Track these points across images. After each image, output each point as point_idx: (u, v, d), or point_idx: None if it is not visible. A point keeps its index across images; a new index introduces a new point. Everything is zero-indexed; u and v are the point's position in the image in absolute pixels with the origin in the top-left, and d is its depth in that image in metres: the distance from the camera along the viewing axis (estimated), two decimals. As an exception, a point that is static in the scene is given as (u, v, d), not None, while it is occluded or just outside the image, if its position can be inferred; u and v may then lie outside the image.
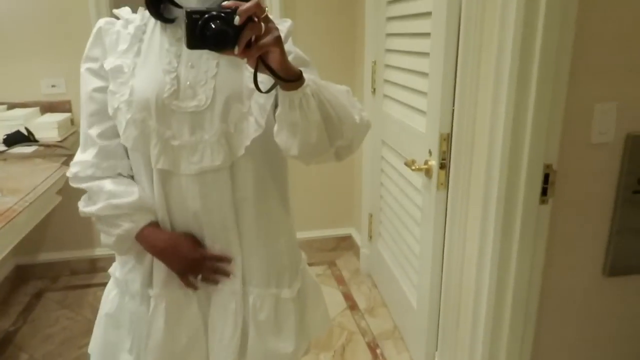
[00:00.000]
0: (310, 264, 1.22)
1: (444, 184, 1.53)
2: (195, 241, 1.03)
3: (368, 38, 2.26)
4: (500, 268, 1.32)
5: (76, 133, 2.45)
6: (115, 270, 1.10)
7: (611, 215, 1.34)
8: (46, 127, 2.20)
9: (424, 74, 1.62)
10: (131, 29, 0.99)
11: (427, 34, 1.56)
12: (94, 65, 1.00)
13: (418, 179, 1.70)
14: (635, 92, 1.25)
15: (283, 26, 0.98)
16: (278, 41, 0.79)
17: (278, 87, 0.85)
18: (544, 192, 1.26)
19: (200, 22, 0.75)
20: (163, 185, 0.99)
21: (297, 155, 0.92)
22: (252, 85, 0.92)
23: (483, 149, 1.31)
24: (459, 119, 1.41)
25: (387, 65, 2.05)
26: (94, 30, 1.01)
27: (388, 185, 2.16)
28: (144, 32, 0.99)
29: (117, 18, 1.02)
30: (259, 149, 0.99)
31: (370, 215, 2.48)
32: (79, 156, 1.02)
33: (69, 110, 2.44)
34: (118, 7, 1.06)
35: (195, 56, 0.95)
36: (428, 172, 1.59)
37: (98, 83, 0.99)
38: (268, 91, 0.85)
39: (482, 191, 1.32)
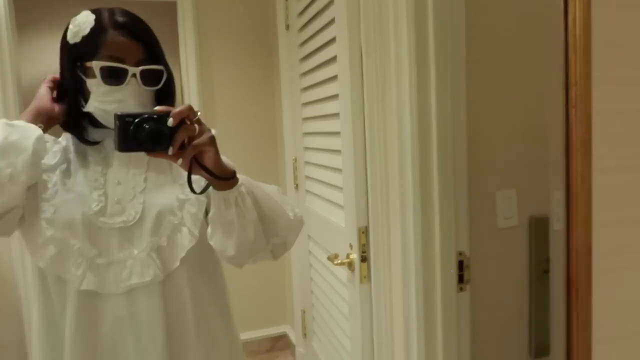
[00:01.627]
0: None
1: (367, 277, 1.53)
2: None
3: (287, 137, 2.34)
4: (427, 359, 1.29)
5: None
6: None
7: (528, 295, 1.38)
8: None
9: (338, 170, 1.67)
10: (58, 148, 0.99)
11: (337, 133, 1.63)
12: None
13: (343, 273, 1.69)
14: (530, 177, 1.34)
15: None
16: (212, 141, 0.82)
17: (211, 189, 0.86)
18: (461, 279, 1.28)
19: (133, 124, 0.77)
20: (83, 309, 0.91)
21: (234, 256, 0.91)
22: (183, 196, 0.96)
23: (398, 241, 1.33)
24: (374, 213, 1.45)
25: (307, 162, 2.11)
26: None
27: (317, 280, 2.13)
28: (69, 153, 0.99)
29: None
30: (193, 258, 0.97)
31: (303, 312, 2.41)
32: None
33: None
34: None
35: (122, 174, 0.96)
36: (350, 266, 1.58)
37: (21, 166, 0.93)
38: (202, 191, 0.87)
39: (402, 283, 1.33)
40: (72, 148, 0.99)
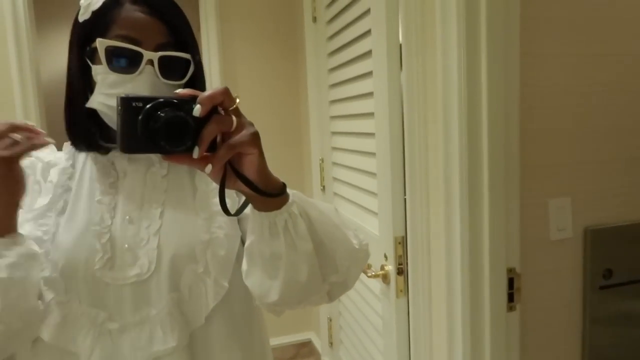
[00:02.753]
0: None
1: (404, 291, 1.42)
2: None
3: (313, 136, 2.23)
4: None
5: None
6: None
7: (581, 313, 1.26)
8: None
9: (372, 174, 1.56)
10: (54, 175, 0.77)
11: (372, 134, 1.52)
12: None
13: (376, 285, 1.58)
14: (586, 185, 1.22)
15: None
16: (256, 139, 0.57)
17: (250, 208, 0.63)
18: (510, 297, 1.16)
19: (144, 112, 0.53)
20: None
21: (277, 301, 0.67)
22: (207, 236, 0.75)
23: (440, 254, 1.22)
24: (412, 222, 1.33)
25: (335, 163, 2.00)
26: None
27: (345, 288, 2.02)
28: (70, 177, 0.78)
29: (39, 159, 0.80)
30: (222, 313, 0.77)
31: (330, 320, 2.31)
32: None
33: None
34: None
35: (133, 205, 0.75)
36: (385, 278, 1.47)
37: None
38: (239, 212, 0.64)
39: (444, 300, 1.21)
40: (77, 167, 0.79)
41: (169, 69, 0.73)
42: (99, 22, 0.71)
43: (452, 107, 1.11)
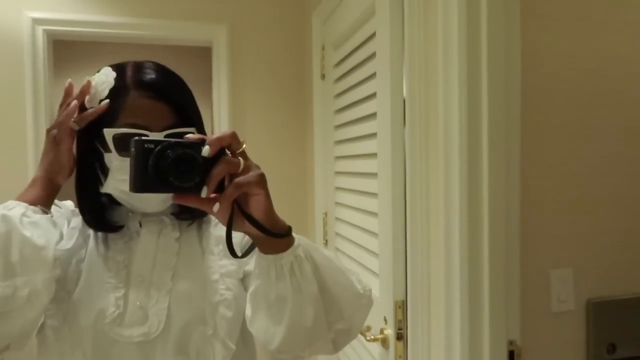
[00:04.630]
0: None
1: (403, 357, 1.39)
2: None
3: (318, 191, 2.25)
4: None
5: None
6: None
7: (586, 389, 1.23)
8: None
9: (374, 234, 1.56)
10: (76, 223, 0.80)
11: (373, 194, 1.53)
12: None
13: (375, 348, 1.55)
14: (588, 256, 1.21)
15: None
16: (262, 180, 0.59)
17: (257, 251, 0.64)
18: (511, 371, 1.14)
19: (155, 152, 0.56)
20: None
21: (279, 347, 0.66)
22: (217, 297, 0.75)
23: (440, 321, 1.20)
24: (412, 286, 1.32)
25: (338, 219, 2.00)
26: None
27: (346, 350, 1.98)
28: (86, 241, 0.80)
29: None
30: None
31: (327, 377, 2.25)
32: None
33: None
34: None
35: (147, 263, 0.76)
36: (385, 342, 1.45)
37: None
38: (245, 254, 0.65)
39: (443, 370, 1.19)
40: (91, 234, 0.82)
41: None
42: (107, 111, 0.74)
43: (453, 172, 1.12)
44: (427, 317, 1.28)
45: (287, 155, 2.54)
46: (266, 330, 0.67)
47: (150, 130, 0.73)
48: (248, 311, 0.70)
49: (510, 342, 1.13)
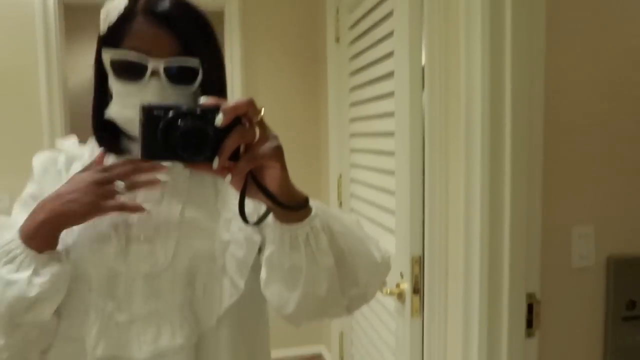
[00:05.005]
0: None
1: (419, 311, 1.40)
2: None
3: (332, 153, 2.24)
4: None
5: (19, 253, 2.25)
6: None
7: (602, 344, 1.23)
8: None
9: (390, 192, 1.56)
10: (76, 167, 0.78)
11: (392, 152, 1.52)
12: (28, 198, 0.80)
13: (390, 302, 1.57)
14: (611, 213, 1.20)
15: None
16: (279, 152, 0.57)
17: (271, 218, 0.63)
18: (529, 323, 1.15)
19: (164, 120, 0.54)
20: None
21: (293, 313, 0.66)
22: (227, 236, 0.74)
23: (458, 275, 1.21)
24: (430, 242, 1.32)
25: (353, 180, 2.00)
26: (33, 169, 0.81)
27: (359, 305, 2.01)
28: None
29: (58, 149, 0.84)
30: (235, 316, 0.76)
31: (342, 334, 2.29)
32: None
33: (13, 229, 2.26)
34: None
35: (153, 201, 0.74)
36: (401, 297, 1.46)
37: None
38: (259, 222, 0.63)
39: (461, 322, 1.20)
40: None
41: (179, 76, 0.73)
42: (114, 36, 0.73)
43: (475, 129, 1.11)
44: (445, 272, 1.29)
45: (301, 119, 2.53)
46: (280, 295, 0.67)
47: (150, 57, 0.71)
48: (263, 274, 0.70)
49: (530, 295, 1.13)
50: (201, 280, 0.74)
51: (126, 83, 0.72)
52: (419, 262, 1.40)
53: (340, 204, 2.19)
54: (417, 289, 1.41)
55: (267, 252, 0.66)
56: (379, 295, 1.63)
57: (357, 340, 2.07)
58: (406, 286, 1.44)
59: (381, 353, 1.75)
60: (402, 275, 1.47)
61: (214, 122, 0.54)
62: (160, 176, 0.73)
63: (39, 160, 0.82)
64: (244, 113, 0.55)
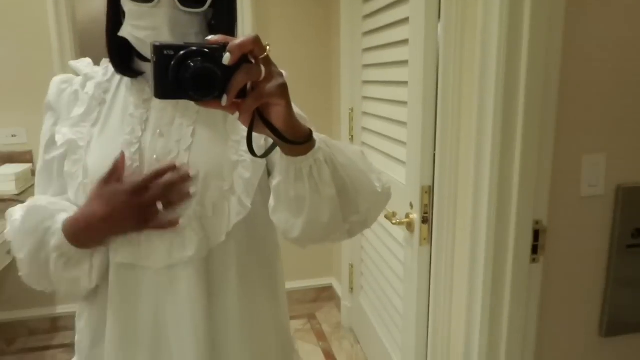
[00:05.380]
0: (290, 318, 1.00)
1: (427, 239, 1.44)
2: (107, 181, 0.76)
3: (344, 85, 2.22)
4: (490, 331, 1.21)
5: (38, 184, 2.32)
6: (81, 334, 0.89)
7: (605, 271, 1.26)
8: (2, 179, 2.06)
9: (402, 123, 1.56)
10: (90, 87, 0.82)
11: (405, 82, 1.50)
12: (46, 134, 0.84)
13: (400, 232, 1.61)
14: (623, 142, 1.19)
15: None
16: (284, 90, 0.59)
17: (278, 151, 0.66)
18: (534, 250, 1.17)
19: (174, 61, 0.55)
20: (121, 283, 0.79)
21: (298, 237, 0.72)
22: (235, 157, 0.78)
23: (467, 204, 1.22)
24: (441, 172, 1.33)
25: (365, 113, 1.99)
26: (48, 96, 0.85)
27: (368, 236, 2.06)
28: (105, 91, 0.82)
29: (74, 73, 0.86)
30: (243, 233, 0.81)
31: (351, 266, 2.37)
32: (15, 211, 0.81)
33: (30, 161, 2.31)
34: (84, 56, 0.91)
35: (165, 121, 0.78)
36: (410, 226, 1.49)
37: (50, 154, 0.83)
38: (264, 155, 0.66)
39: (468, 249, 1.23)
40: (110, 85, 0.83)
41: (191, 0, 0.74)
42: None
43: (491, 57, 1.08)
44: (454, 201, 1.31)
45: (313, 51, 2.48)
46: (286, 221, 0.72)
47: None
48: (271, 201, 0.74)
49: (536, 222, 1.15)
50: (210, 199, 0.78)
51: (139, 4, 0.74)
52: (428, 192, 1.42)
53: (352, 138, 2.19)
54: (426, 219, 1.44)
55: (274, 182, 0.70)
56: (388, 225, 1.66)
57: (367, 271, 2.14)
58: (415, 216, 1.47)
59: (390, 282, 1.82)
60: (411, 206, 1.49)
61: (221, 60, 0.55)
62: (191, 189, 0.77)
63: (54, 83, 0.85)
64: (250, 51, 0.56)
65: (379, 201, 0.77)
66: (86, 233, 0.75)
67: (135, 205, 0.74)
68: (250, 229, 0.81)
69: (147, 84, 0.81)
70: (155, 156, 0.77)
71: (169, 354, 0.80)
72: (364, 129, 2.02)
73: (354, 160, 0.73)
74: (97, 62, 0.88)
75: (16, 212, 0.79)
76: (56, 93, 0.84)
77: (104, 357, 0.82)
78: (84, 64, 0.86)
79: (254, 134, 0.62)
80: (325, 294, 2.76)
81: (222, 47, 0.56)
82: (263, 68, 0.57)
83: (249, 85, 0.58)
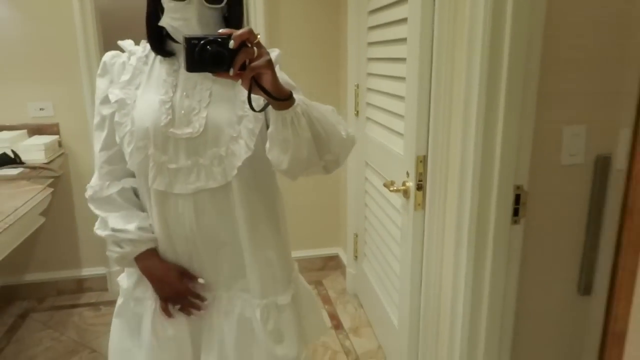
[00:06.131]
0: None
1: (421, 205, 1.56)
2: (183, 274, 1.14)
3: (350, 62, 2.32)
4: (474, 289, 1.34)
5: (64, 155, 2.47)
6: (122, 280, 1.23)
7: (584, 236, 1.37)
8: (33, 149, 2.22)
9: (401, 98, 1.66)
10: (133, 60, 1.10)
11: (404, 59, 1.61)
12: (101, 94, 1.11)
13: (397, 200, 1.73)
14: (602, 114, 1.28)
15: (272, 54, 1.01)
16: (269, 64, 0.86)
17: (270, 107, 0.92)
18: (516, 212, 1.28)
19: (198, 47, 0.83)
20: (160, 204, 1.09)
21: (287, 169, 0.99)
22: (241, 113, 1.05)
23: (456, 171, 1.34)
24: (434, 142, 1.45)
25: (369, 89, 2.10)
26: (101, 63, 1.13)
27: (371, 206, 2.18)
28: (144, 63, 1.10)
29: (121, 49, 1.13)
30: (248, 169, 1.07)
31: (356, 235, 2.50)
32: (92, 179, 1.16)
33: (57, 133, 2.46)
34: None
35: (189, 86, 1.06)
36: (406, 193, 1.61)
37: (105, 110, 1.10)
38: (261, 110, 0.94)
39: (456, 212, 1.35)
40: (150, 59, 1.10)
41: None
42: None
43: (477, 34, 1.18)
44: (446, 169, 1.42)
45: (321, 30, 2.58)
46: (277, 157, 0.98)
47: None
48: (267, 144, 0.98)
49: (517, 187, 1.26)
50: (224, 142, 1.05)
51: (176, 2, 1.02)
52: (423, 162, 1.53)
53: (357, 113, 2.30)
54: (420, 186, 1.55)
55: (269, 130, 0.96)
56: (387, 193, 1.78)
57: (370, 239, 2.27)
58: (411, 184, 1.59)
59: (389, 247, 1.95)
60: (408, 174, 1.61)
61: (228, 46, 0.82)
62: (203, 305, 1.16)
63: (107, 56, 1.13)
64: (247, 38, 0.83)
65: (345, 145, 1.04)
66: (144, 272, 1.13)
67: (171, 294, 1.13)
68: (254, 165, 1.07)
69: (176, 60, 1.08)
70: (182, 111, 1.05)
71: (200, 262, 1.14)
72: (368, 104, 2.13)
73: (326, 115, 1.00)
74: (121, 38, 1.11)
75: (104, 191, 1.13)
76: (109, 63, 1.11)
77: (145, 297, 1.16)
78: (128, 43, 1.14)
79: (252, 95, 0.88)
80: (332, 263, 2.91)
81: (229, 37, 0.83)
82: (256, 50, 0.84)
83: (247, 62, 0.84)
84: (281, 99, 0.89)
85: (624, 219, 0.62)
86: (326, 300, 2.57)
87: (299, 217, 2.76)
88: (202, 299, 1.15)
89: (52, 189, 1.99)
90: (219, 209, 1.09)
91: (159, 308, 1.14)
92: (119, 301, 1.21)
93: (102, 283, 2.70)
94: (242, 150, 1.04)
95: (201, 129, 1.04)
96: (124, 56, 1.12)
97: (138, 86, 1.08)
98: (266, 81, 0.86)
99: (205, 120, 1.04)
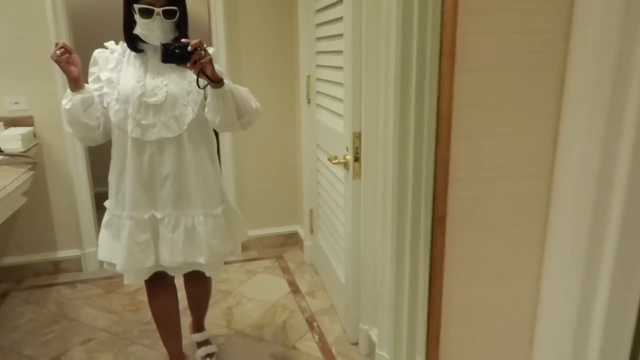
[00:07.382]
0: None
1: (358, 174, 1.85)
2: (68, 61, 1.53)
3: (302, 55, 2.59)
4: (398, 239, 1.63)
5: (38, 145, 2.66)
6: (107, 203, 1.70)
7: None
8: (10, 139, 2.40)
9: (341, 84, 1.95)
10: (115, 54, 1.62)
11: (341, 52, 1.89)
12: (93, 76, 1.62)
13: (340, 172, 2.02)
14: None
15: (210, 50, 1.55)
16: (211, 61, 1.43)
17: (209, 87, 1.46)
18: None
19: (169, 49, 1.39)
20: (136, 147, 1.58)
21: (218, 125, 1.57)
22: (189, 89, 1.60)
23: (382, 144, 1.63)
24: (366, 120, 1.74)
25: (318, 79, 2.38)
26: (92, 58, 1.62)
27: (322, 182, 2.47)
28: (123, 57, 1.62)
29: (105, 47, 1.64)
30: (194, 125, 1.60)
31: (311, 211, 2.78)
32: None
33: (32, 125, 2.65)
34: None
35: (155, 72, 1.58)
36: (346, 165, 1.90)
37: (96, 85, 1.60)
38: (203, 88, 1.52)
39: (381, 177, 1.64)
40: (126, 53, 1.62)
41: (168, 15, 1.53)
42: None
43: (392, 31, 1.47)
44: (375, 143, 1.71)
45: (277, 26, 2.83)
46: (213, 118, 1.54)
47: (155, 7, 1.50)
48: (206, 110, 1.53)
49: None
50: (178, 107, 1.58)
51: (145, 18, 1.52)
52: (358, 137, 1.83)
53: (309, 101, 2.58)
54: (357, 158, 1.85)
55: (207, 101, 1.53)
56: (333, 167, 2.06)
57: (322, 213, 2.55)
58: (349, 157, 1.88)
59: (337, 216, 2.24)
60: (347, 149, 1.90)
61: (187, 49, 1.38)
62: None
63: (96, 52, 1.63)
64: (199, 45, 1.39)
65: (255, 113, 1.60)
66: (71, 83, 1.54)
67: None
68: (197, 123, 1.60)
69: (145, 55, 1.60)
70: (151, 88, 1.56)
71: (160, 188, 1.61)
72: (318, 92, 2.41)
73: (243, 93, 1.56)
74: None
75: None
76: (98, 56, 1.62)
77: (125, 199, 1.61)
78: (111, 43, 1.65)
79: (199, 79, 1.45)
80: (292, 239, 3.18)
81: (188, 44, 1.38)
82: (203, 52, 1.40)
83: (197, 59, 1.39)
84: (216, 81, 1.44)
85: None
86: (286, 270, 2.84)
87: (262, 199, 3.02)
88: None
89: (32, 172, 2.19)
90: (175, 151, 1.59)
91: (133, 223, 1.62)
92: (106, 217, 1.69)
93: (77, 264, 2.89)
94: (189, 113, 1.59)
95: (163, 99, 1.56)
96: (107, 52, 1.64)
97: (120, 71, 1.60)
98: (208, 70, 1.42)
99: (165, 93, 1.56)
